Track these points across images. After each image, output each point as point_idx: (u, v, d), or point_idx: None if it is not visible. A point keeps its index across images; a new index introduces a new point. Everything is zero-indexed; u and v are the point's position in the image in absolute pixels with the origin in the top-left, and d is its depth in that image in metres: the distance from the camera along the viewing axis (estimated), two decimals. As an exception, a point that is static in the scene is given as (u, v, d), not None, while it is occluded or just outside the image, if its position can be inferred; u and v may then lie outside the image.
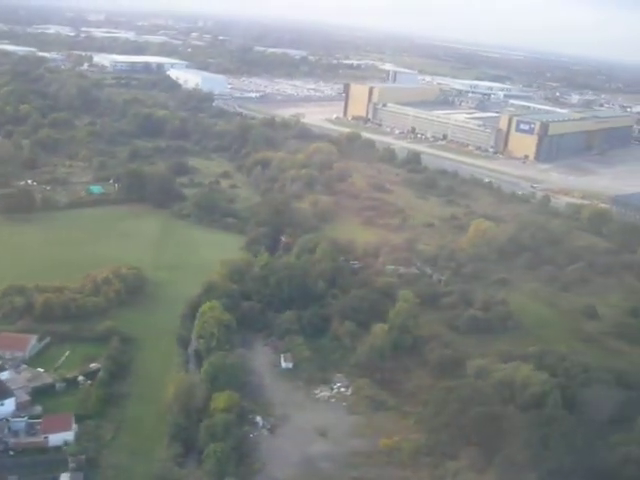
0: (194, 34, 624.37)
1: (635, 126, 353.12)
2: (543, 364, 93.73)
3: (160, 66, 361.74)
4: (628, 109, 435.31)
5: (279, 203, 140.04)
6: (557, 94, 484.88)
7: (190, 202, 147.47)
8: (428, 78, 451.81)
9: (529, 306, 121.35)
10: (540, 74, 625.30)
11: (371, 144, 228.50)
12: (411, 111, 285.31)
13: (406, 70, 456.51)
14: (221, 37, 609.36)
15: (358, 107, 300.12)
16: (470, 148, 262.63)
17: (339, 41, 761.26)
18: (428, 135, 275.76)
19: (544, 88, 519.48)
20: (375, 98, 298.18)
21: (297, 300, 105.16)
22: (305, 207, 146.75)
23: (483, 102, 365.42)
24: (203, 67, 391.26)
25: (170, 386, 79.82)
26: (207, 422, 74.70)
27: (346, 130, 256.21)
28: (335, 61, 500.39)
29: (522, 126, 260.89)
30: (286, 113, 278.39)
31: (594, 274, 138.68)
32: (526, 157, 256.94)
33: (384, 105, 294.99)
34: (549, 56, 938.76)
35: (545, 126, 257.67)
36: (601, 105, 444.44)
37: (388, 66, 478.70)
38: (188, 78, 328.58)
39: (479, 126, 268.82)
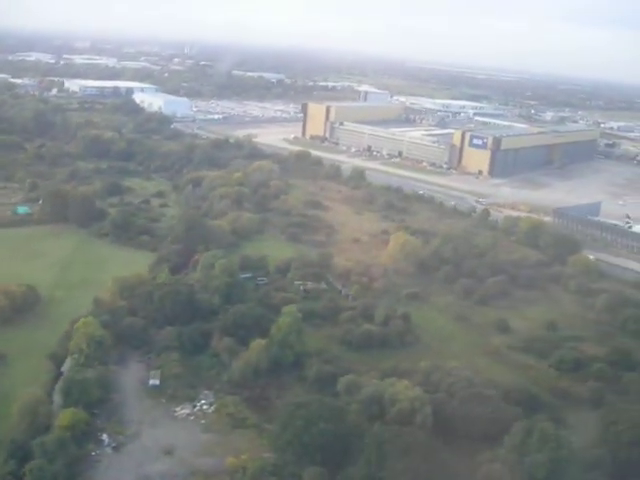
0: (176, 60, 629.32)
1: (602, 140, 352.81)
2: (429, 380, 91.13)
3: (129, 90, 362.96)
4: (602, 124, 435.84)
5: (192, 220, 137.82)
6: (532, 111, 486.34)
7: (107, 221, 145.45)
8: (402, 98, 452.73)
9: (437, 320, 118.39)
10: (520, 93, 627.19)
11: (318, 162, 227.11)
12: (367, 129, 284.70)
13: (377, 90, 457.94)
14: (203, 62, 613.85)
15: (316, 126, 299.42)
16: (424, 165, 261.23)
17: (325, 65, 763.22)
18: (384, 153, 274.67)
19: (521, 106, 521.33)
20: (332, 117, 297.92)
21: (182, 316, 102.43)
22: (223, 224, 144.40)
23: (443, 119, 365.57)
24: (175, 91, 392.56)
25: (15, 403, 77.59)
26: (40, 439, 71.92)
27: (308, 150, 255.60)
28: (311, 83, 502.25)
29: (475, 141, 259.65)
30: (245, 133, 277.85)
31: (517, 287, 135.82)
32: (480, 172, 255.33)
33: (341, 124, 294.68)
34: (538, 77, 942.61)
35: (498, 141, 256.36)
36: (575, 121, 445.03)
37: (365, 87, 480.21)
38: (152, 101, 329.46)
39: (433, 143, 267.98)
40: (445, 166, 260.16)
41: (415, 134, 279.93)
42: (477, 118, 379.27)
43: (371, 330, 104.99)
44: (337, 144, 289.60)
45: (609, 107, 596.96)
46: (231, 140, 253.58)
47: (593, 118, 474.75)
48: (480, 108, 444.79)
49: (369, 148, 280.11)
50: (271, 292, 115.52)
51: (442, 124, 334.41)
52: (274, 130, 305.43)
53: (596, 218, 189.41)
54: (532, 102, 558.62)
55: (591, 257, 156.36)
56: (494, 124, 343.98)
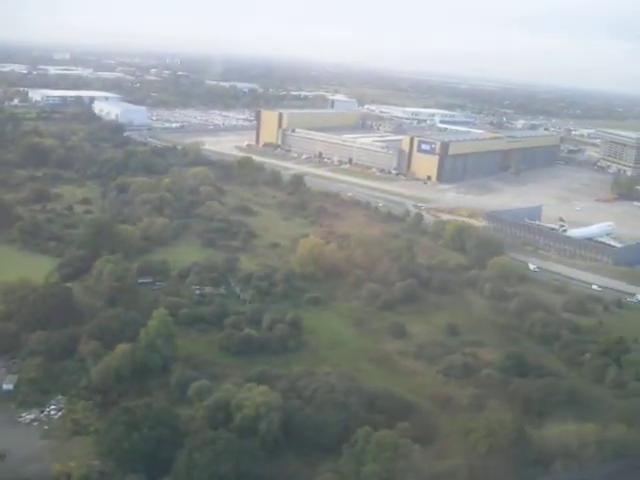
0: (153, 70, 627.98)
1: (567, 146, 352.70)
2: (294, 386, 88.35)
3: (92, 100, 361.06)
4: (573, 131, 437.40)
5: (99, 225, 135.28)
6: (504, 119, 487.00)
7: (15, 227, 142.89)
8: (373, 106, 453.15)
9: (334, 325, 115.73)
10: (499, 102, 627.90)
11: (260, 168, 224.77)
12: (318, 136, 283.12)
13: (345, 99, 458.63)
14: (180, 73, 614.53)
15: (269, 134, 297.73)
16: (373, 170, 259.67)
17: (308, 75, 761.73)
18: (335, 159, 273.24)
19: (494, 114, 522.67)
20: (284, 124, 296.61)
21: (56, 320, 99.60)
22: (133, 230, 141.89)
23: (400, 126, 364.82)
24: (141, 100, 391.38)
25: None
26: None
27: (251, 156, 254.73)
28: (284, 92, 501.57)
29: (423, 146, 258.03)
30: (199, 141, 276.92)
31: (430, 291, 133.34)
32: (429, 178, 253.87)
33: (292, 130, 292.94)
34: (523, 86, 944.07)
35: (445, 146, 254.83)
36: (546, 129, 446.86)
37: (339, 97, 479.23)
38: (110, 110, 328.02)
39: (383, 148, 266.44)
40: (394, 172, 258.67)
41: (365, 140, 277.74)
42: (441, 125, 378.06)
43: (251, 335, 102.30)
44: (289, 151, 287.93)
45: (586, 115, 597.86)
46: (179, 147, 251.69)
47: (566, 125, 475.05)
48: (451, 116, 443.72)
49: (320, 155, 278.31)
50: (160, 296, 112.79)
51: (399, 131, 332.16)
52: (231, 138, 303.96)
53: (534, 221, 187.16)
54: (508, 111, 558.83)
55: (532, 265, 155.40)
56: (451, 130, 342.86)
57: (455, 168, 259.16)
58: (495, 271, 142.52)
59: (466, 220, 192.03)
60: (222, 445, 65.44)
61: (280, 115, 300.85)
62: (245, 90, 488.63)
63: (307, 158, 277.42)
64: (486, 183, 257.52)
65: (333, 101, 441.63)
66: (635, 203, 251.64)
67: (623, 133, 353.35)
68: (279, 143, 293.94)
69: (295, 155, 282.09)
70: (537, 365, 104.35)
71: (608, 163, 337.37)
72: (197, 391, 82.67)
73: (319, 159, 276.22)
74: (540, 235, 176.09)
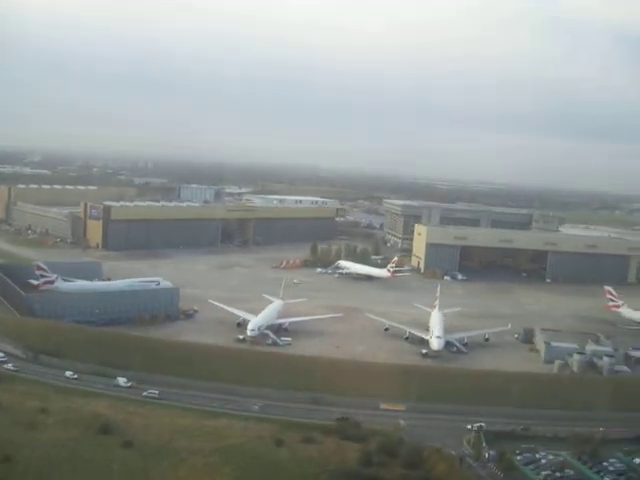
0: (95, 169, 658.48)
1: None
2: None
3: None
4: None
5: None
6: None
7: None
8: (266, 195, 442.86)
9: None
10: (439, 196, 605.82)
11: None
12: (28, 208, 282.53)
13: (194, 186, 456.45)
14: (122, 172, 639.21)
15: (1, 209, 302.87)
16: (56, 239, 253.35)
17: (255, 175, 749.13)
18: (38, 230, 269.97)
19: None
20: (12, 198, 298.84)
21: None
22: None
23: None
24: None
25: None
26: None
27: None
28: (177, 185, 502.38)
29: (94, 212, 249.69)
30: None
31: None
32: (98, 245, 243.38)
33: (14, 205, 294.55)
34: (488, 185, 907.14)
35: (107, 210, 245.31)
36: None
37: (193, 185, 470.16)
38: None
39: (64, 217, 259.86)
40: (69, 240, 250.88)
41: (57, 210, 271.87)
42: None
43: None
44: (10, 225, 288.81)
45: (527, 206, 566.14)
46: None
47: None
48: (323, 202, 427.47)
49: (29, 227, 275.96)
50: None
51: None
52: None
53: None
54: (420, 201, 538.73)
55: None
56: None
57: (133, 235, 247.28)
58: None
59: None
60: None
61: (9, 190, 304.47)
62: (142, 183, 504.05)
63: (15, 230, 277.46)
64: (171, 253, 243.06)
65: (180, 188, 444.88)
66: (318, 270, 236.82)
67: (398, 202, 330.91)
68: (4, 217, 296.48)
69: (7, 228, 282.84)
70: None
71: (389, 235, 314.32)
72: None
73: (24, 231, 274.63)
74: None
